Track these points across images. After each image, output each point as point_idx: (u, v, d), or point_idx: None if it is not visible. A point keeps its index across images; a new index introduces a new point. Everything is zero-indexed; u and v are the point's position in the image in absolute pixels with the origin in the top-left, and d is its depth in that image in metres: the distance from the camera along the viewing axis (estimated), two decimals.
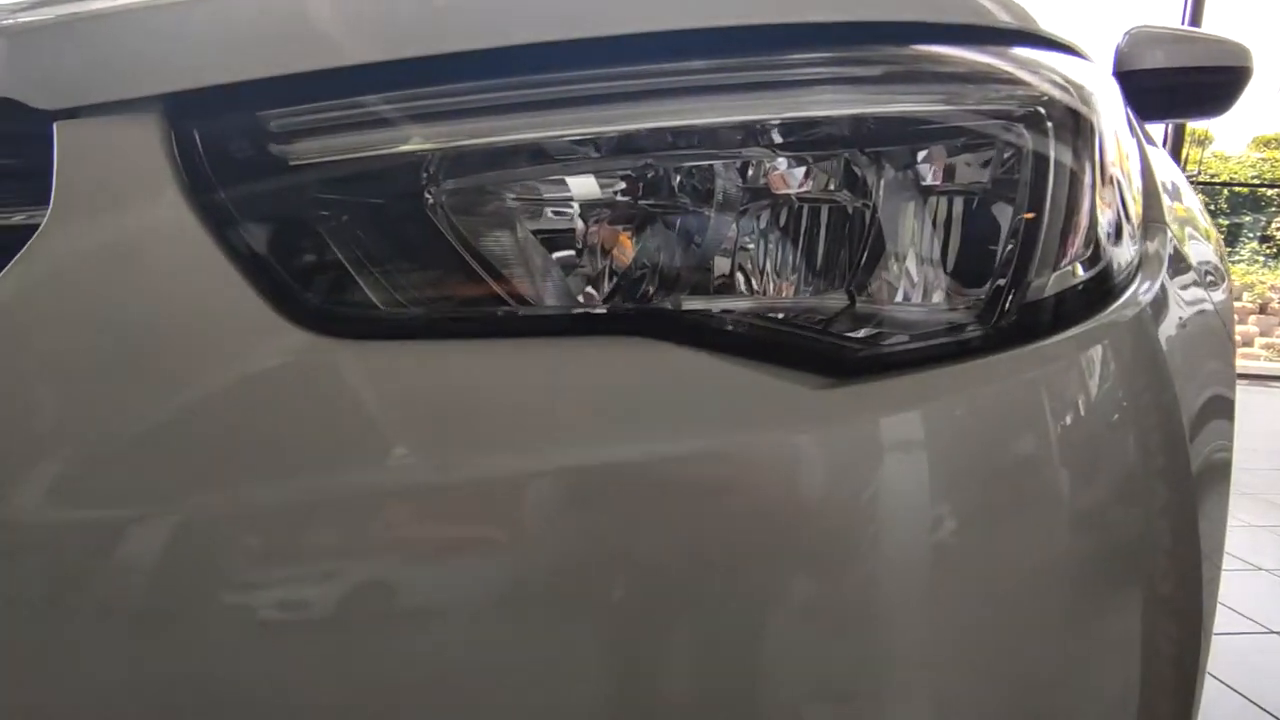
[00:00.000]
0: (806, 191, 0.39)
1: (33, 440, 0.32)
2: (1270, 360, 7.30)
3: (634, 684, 0.33)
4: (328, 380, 0.32)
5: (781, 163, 0.39)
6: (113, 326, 0.32)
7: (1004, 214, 0.38)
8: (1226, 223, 9.12)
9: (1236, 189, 8.94)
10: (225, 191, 0.34)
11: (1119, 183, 0.42)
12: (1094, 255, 0.39)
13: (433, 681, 0.32)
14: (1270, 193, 9.09)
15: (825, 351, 0.35)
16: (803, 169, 0.39)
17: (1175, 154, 5.99)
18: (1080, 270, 0.38)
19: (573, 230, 0.38)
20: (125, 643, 0.32)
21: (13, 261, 0.32)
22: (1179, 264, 0.53)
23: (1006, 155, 0.38)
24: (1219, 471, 0.53)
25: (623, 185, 0.38)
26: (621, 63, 0.34)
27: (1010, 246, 0.37)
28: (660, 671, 0.33)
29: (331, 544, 0.32)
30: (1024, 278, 0.37)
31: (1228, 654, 1.59)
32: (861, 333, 0.37)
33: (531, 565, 0.32)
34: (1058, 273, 0.37)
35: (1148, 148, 0.68)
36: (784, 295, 0.40)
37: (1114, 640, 0.38)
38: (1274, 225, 8.86)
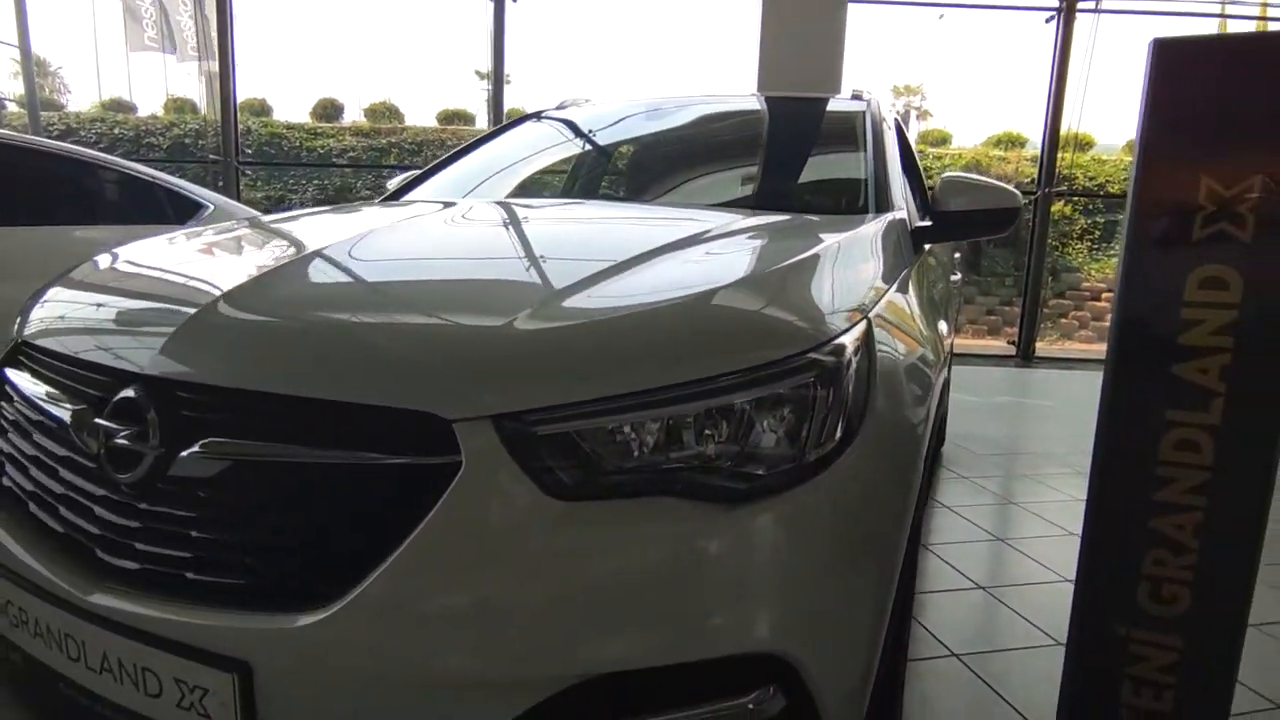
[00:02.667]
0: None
1: None
2: None
3: None
4: None
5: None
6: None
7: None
8: (1103, 220, 10.24)
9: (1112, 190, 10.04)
10: None
11: (859, 392, 0.96)
12: (842, 434, 0.92)
13: None
14: None
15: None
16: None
17: (1051, 158, 6.89)
18: (833, 441, 0.92)
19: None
20: None
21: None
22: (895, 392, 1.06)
23: (802, 395, 0.91)
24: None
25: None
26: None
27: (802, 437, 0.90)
28: None
29: None
30: (804, 449, 0.90)
31: (1052, 603, 2.25)
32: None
33: None
34: (819, 448, 0.91)
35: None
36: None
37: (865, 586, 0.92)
38: None
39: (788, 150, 2.19)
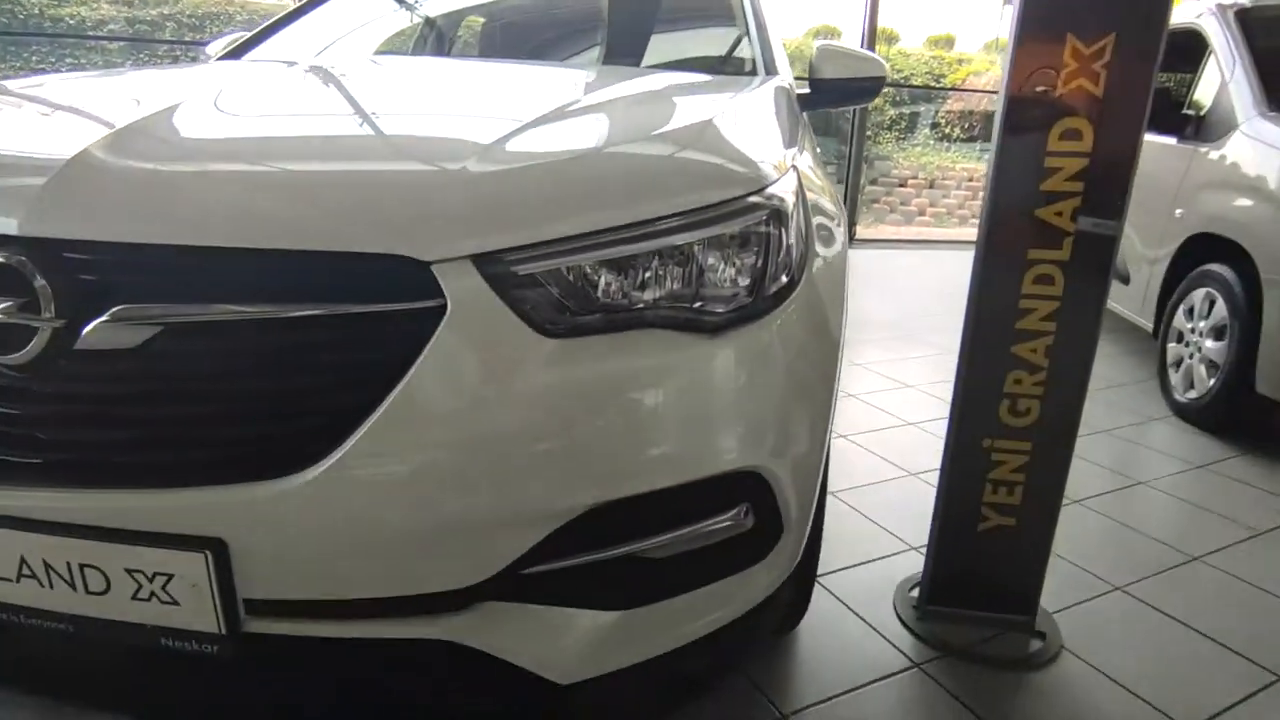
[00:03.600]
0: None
1: None
2: (935, 226, 9.34)
3: None
4: None
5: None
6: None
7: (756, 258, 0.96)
8: (909, 111, 11.06)
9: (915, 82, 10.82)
10: None
11: (800, 236, 1.01)
12: (791, 275, 0.98)
13: None
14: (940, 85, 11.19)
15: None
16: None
17: (871, 49, 7.32)
18: (784, 280, 0.97)
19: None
20: None
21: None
22: (821, 241, 1.14)
23: (755, 234, 0.95)
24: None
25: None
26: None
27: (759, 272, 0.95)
28: None
29: None
30: (763, 285, 0.95)
31: (898, 441, 2.57)
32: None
33: None
34: (775, 284, 0.96)
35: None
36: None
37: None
38: (939, 115, 10.90)
39: (671, 13, 2.14)
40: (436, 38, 2.31)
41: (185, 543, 0.75)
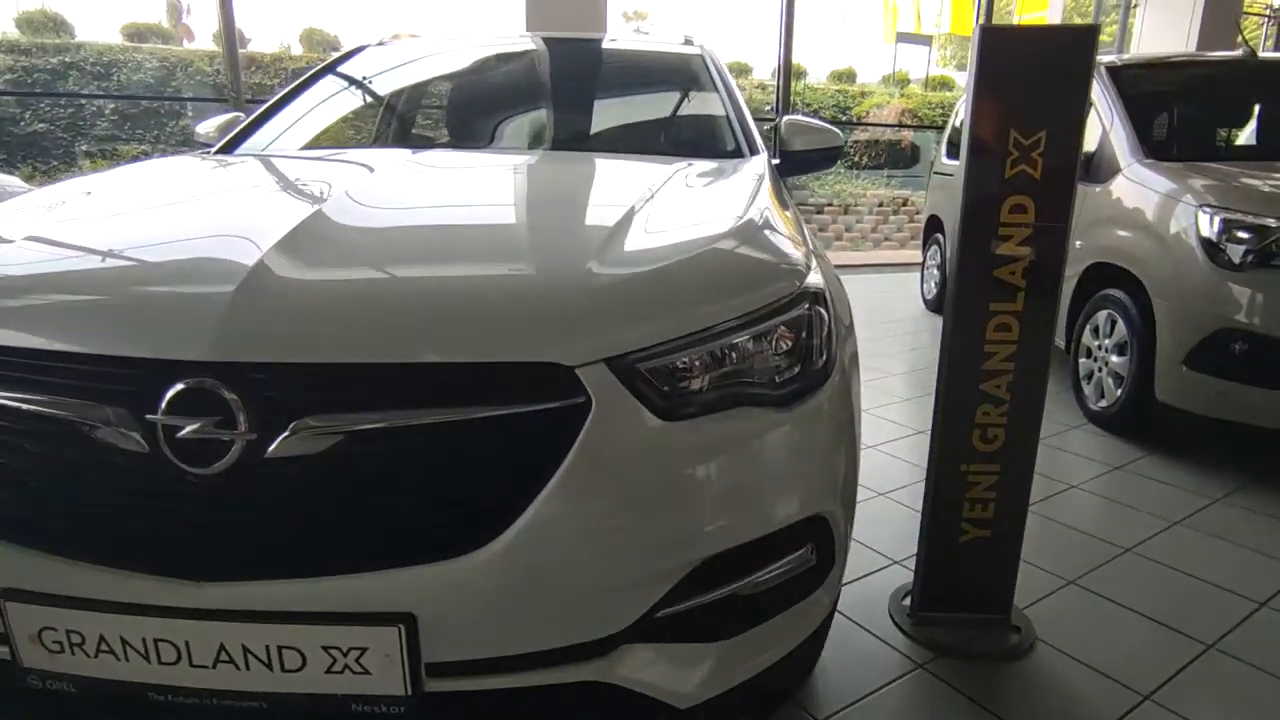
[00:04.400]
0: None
1: None
2: (851, 250, 9.96)
3: None
4: None
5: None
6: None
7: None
8: None
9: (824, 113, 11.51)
10: None
11: (830, 323, 1.21)
12: (831, 345, 1.19)
13: None
14: (844, 118, 11.96)
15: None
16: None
17: (787, 85, 7.85)
18: (828, 351, 1.18)
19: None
20: None
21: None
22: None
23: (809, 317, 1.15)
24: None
25: None
26: None
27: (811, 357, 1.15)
28: None
29: None
30: (816, 358, 1.15)
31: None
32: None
33: None
34: (822, 356, 1.16)
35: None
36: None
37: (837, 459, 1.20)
38: (849, 145, 11.65)
39: (657, 97, 2.36)
40: (471, 112, 2.41)
41: (380, 619, 0.88)
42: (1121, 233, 3.22)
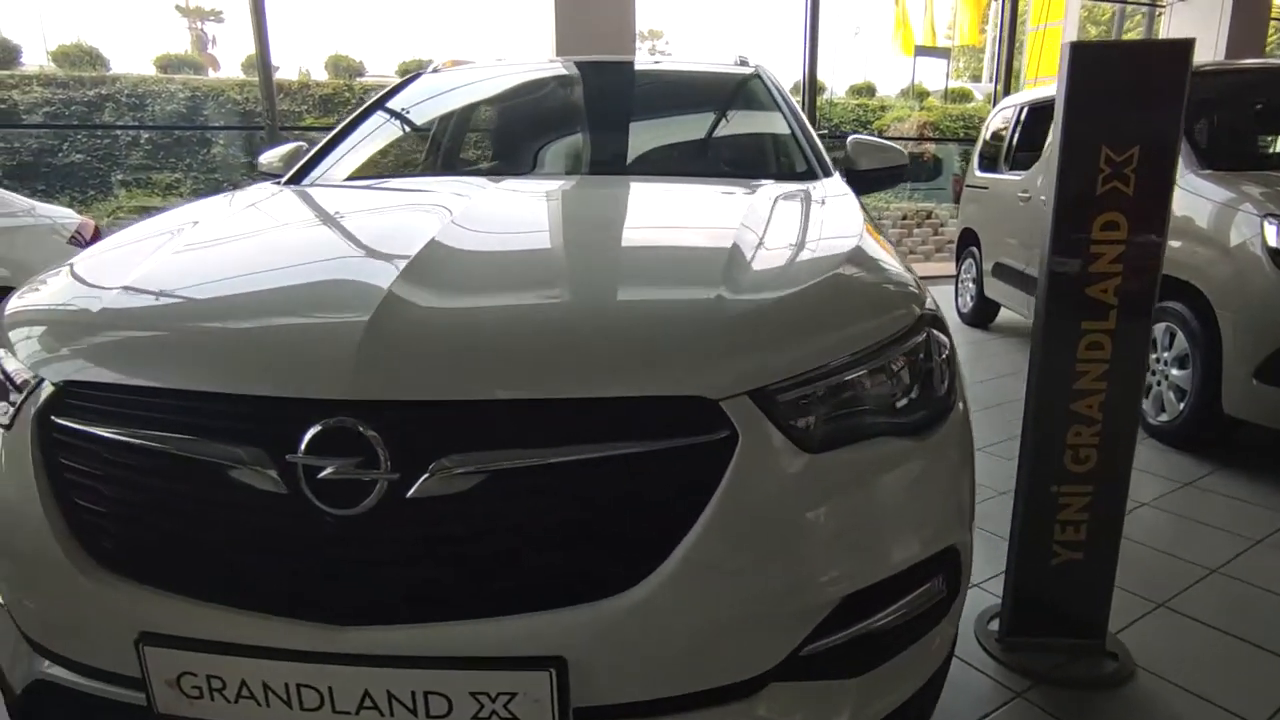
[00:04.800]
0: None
1: None
2: None
3: None
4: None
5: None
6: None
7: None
8: (840, 155, 11.74)
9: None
10: None
11: (950, 346, 1.19)
12: (953, 370, 1.16)
13: None
14: (865, 133, 11.98)
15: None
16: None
17: (812, 100, 7.85)
18: (951, 376, 1.15)
19: None
20: None
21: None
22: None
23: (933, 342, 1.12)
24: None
25: None
26: None
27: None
28: None
29: None
30: (943, 385, 1.12)
31: None
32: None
33: None
34: (945, 383, 1.14)
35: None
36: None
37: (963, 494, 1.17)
38: None
39: (723, 118, 2.36)
40: (473, 150, 2.44)
41: (530, 663, 0.86)
42: (1180, 244, 3.17)
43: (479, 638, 0.87)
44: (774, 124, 2.19)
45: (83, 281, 1.20)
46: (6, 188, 3.70)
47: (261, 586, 0.91)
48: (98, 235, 3.81)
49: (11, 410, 1.05)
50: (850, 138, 2.18)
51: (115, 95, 8.67)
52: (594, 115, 2.33)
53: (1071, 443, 1.70)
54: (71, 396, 0.99)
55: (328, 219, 1.53)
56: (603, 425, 0.90)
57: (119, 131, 8.48)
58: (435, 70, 2.63)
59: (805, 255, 1.23)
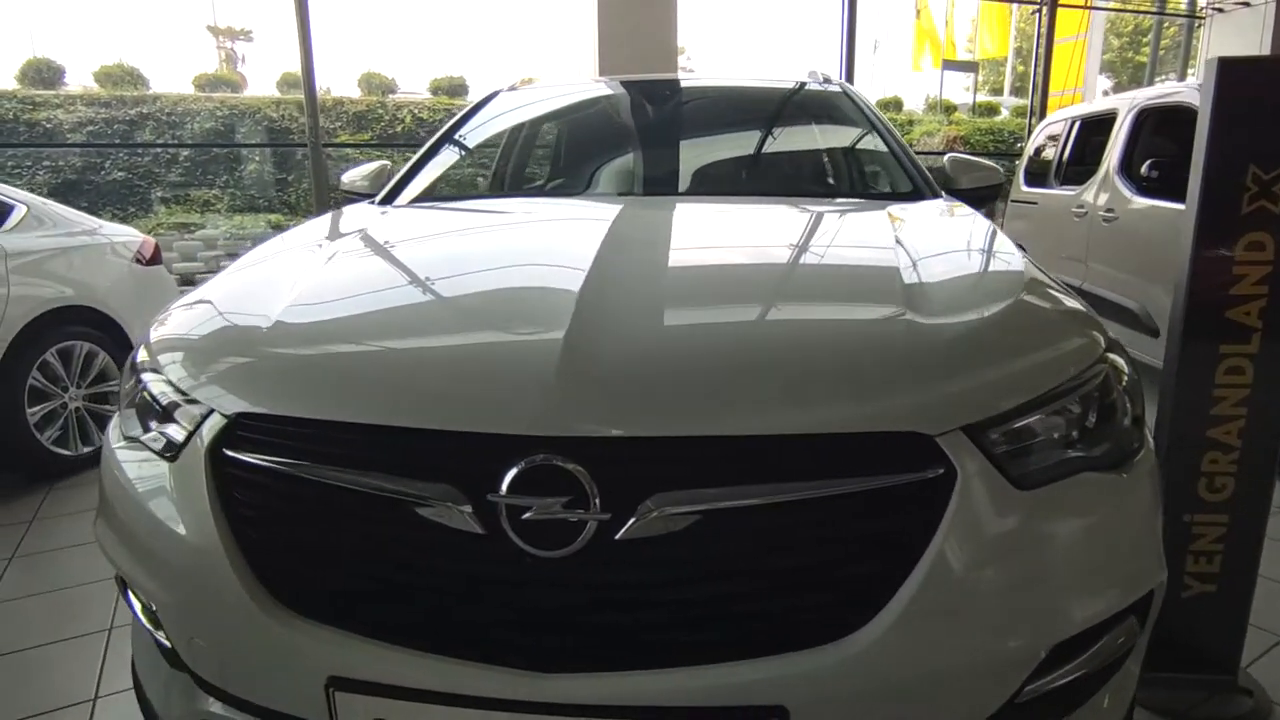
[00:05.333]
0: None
1: None
2: None
3: None
4: None
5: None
6: None
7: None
8: None
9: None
10: None
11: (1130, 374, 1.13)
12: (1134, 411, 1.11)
13: None
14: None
15: None
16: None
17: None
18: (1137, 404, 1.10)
19: None
20: None
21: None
22: None
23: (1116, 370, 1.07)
24: None
25: None
26: None
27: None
28: None
29: None
30: (1132, 414, 1.07)
31: None
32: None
33: None
34: (1133, 411, 1.08)
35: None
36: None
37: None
38: None
39: (819, 137, 2.33)
40: (577, 168, 2.40)
41: (750, 713, 0.81)
42: None
43: (693, 687, 0.82)
44: (873, 142, 2.16)
45: (234, 307, 1.17)
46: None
47: (456, 630, 0.87)
48: (158, 254, 3.83)
49: (170, 439, 1.02)
50: (947, 156, 2.14)
51: (155, 114, 8.79)
52: (692, 134, 2.30)
53: (1207, 470, 1.63)
54: (245, 429, 0.96)
55: (469, 239, 1.50)
56: (817, 462, 0.85)
57: (159, 149, 8.59)
58: (512, 89, 2.62)
59: (980, 281, 1.19)
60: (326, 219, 1.77)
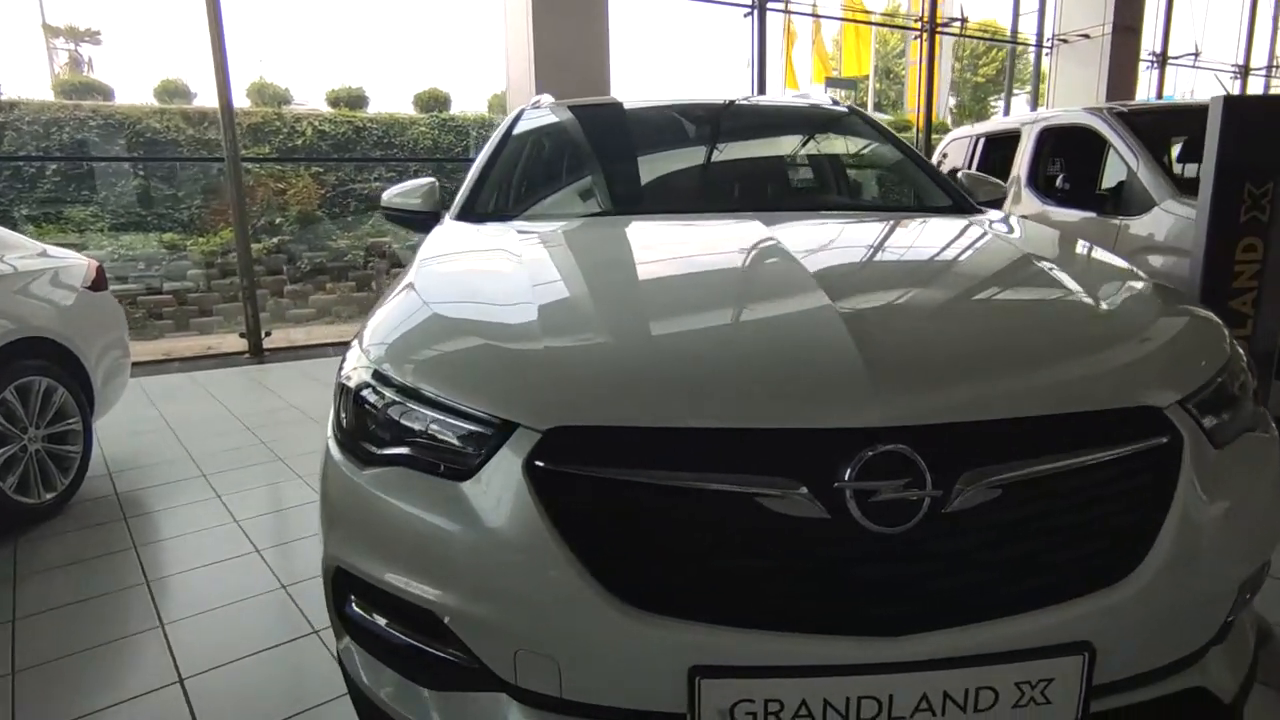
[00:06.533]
0: None
1: None
2: None
3: None
4: None
5: None
6: None
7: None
8: None
9: None
10: None
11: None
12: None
13: None
14: None
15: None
16: None
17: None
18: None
19: None
20: None
21: None
22: None
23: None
24: None
25: None
26: None
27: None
28: None
29: None
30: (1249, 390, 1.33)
31: None
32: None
33: None
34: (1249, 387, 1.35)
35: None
36: None
37: None
38: None
39: (852, 156, 2.54)
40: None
41: (1065, 650, 0.97)
42: (1158, 259, 3.65)
43: (1016, 632, 0.97)
44: (904, 158, 2.40)
45: (479, 330, 1.21)
46: None
47: (805, 608, 0.97)
48: (102, 277, 3.51)
49: (456, 457, 1.05)
50: (961, 173, 2.42)
51: (14, 123, 7.84)
52: (739, 153, 2.45)
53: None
54: (558, 442, 1.01)
55: (643, 245, 1.61)
56: (1080, 435, 1.03)
57: (20, 163, 7.67)
58: (535, 105, 2.67)
59: (1125, 281, 1.42)
60: (449, 234, 1.80)
